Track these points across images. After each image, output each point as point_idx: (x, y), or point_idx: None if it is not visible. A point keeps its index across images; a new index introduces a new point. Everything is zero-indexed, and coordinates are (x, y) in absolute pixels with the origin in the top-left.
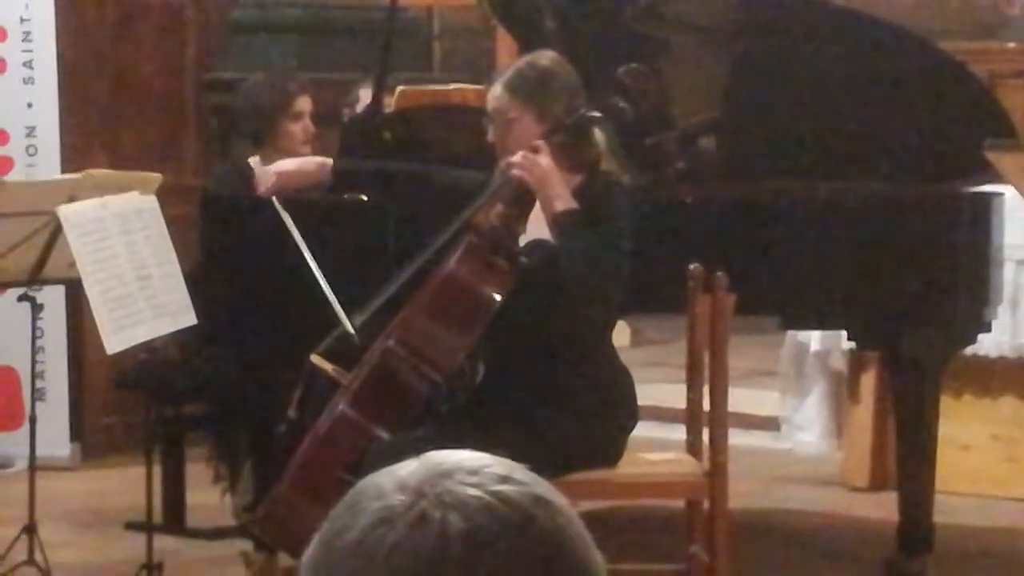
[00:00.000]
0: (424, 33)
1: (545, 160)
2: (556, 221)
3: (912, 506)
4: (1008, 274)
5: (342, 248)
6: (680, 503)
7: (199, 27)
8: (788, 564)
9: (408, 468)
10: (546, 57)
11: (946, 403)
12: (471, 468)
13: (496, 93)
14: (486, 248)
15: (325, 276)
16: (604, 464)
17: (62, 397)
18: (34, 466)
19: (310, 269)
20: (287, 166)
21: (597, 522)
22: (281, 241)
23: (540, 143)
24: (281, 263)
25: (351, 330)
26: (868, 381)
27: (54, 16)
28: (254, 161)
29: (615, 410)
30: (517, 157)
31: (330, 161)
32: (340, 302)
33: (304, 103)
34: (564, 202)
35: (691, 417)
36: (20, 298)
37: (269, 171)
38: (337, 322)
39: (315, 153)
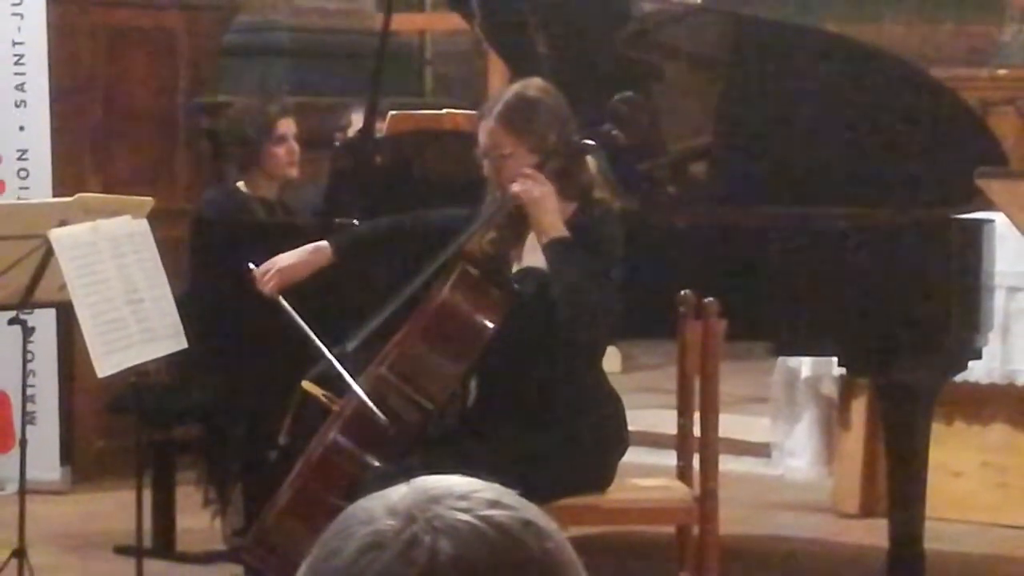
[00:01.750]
0: (416, 57)
1: (543, 182)
2: (547, 249)
3: (903, 533)
4: (999, 301)
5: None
6: (670, 529)
7: (191, 51)
8: None
9: (398, 493)
10: (533, 87)
11: (937, 429)
12: (461, 493)
13: (488, 128)
14: (479, 275)
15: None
16: (594, 489)
17: (52, 420)
18: (24, 489)
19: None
20: (288, 261)
21: (587, 547)
22: (288, 316)
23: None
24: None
25: (376, 410)
26: (859, 407)
27: (46, 39)
28: (241, 186)
29: (605, 435)
30: (522, 176)
31: (326, 244)
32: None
33: (286, 126)
34: (557, 229)
35: (682, 443)
36: (11, 321)
37: (268, 269)
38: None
39: (304, 175)
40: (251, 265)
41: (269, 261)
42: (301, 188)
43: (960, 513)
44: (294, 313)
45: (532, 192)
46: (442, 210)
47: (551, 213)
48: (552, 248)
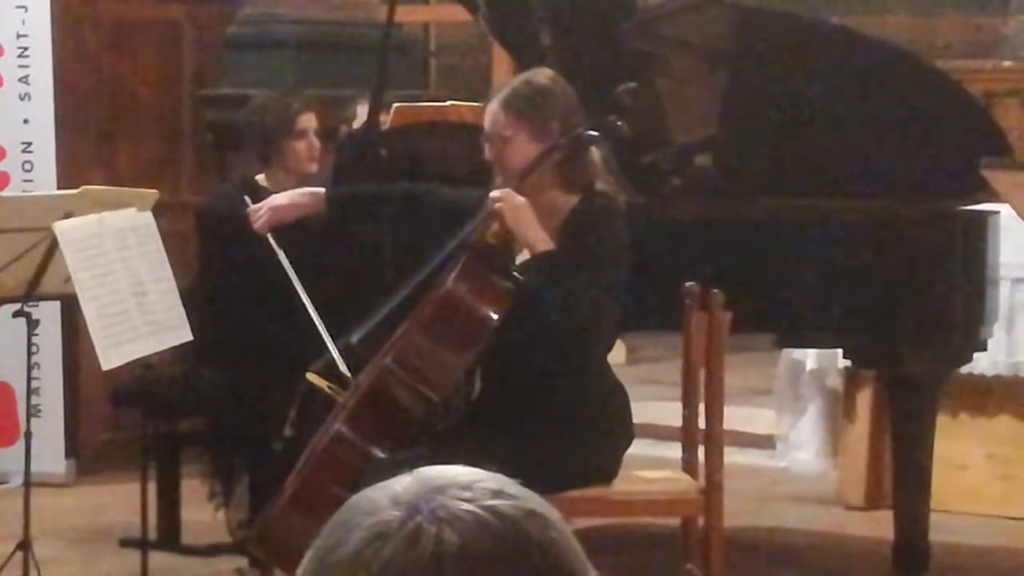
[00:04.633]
0: (420, 50)
1: (520, 199)
2: (534, 263)
3: (908, 525)
4: (1003, 292)
5: (339, 264)
6: (675, 521)
7: (195, 43)
8: None
9: (402, 483)
10: (543, 75)
11: (942, 421)
12: (464, 483)
13: (491, 111)
14: (483, 266)
15: (323, 296)
16: (599, 481)
17: (57, 413)
18: (29, 482)
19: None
20: (280, 200)
21: (592, 539)
22: (277, 259)
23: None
24: (277, 280)
25: (345, 371)
26: (864, 399)
27: (51, 32)
28: (260, 179)
29: (611, 428)
30: (497, 192)
31: (322, 191)
32: (333, 326)
33: (307, 121)
34: (542, 242)
35: (687, 435)
36: (15, 314)
37: (261, 207)
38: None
39: (319, 169)
40: (247, 200)
41: (263, 201)
42: (307, 180)
43: (965, 505)
44: (281, 253)
45: (509, 209)
46: (454, 188)
47: (531, 227)
48: (538, 263)
